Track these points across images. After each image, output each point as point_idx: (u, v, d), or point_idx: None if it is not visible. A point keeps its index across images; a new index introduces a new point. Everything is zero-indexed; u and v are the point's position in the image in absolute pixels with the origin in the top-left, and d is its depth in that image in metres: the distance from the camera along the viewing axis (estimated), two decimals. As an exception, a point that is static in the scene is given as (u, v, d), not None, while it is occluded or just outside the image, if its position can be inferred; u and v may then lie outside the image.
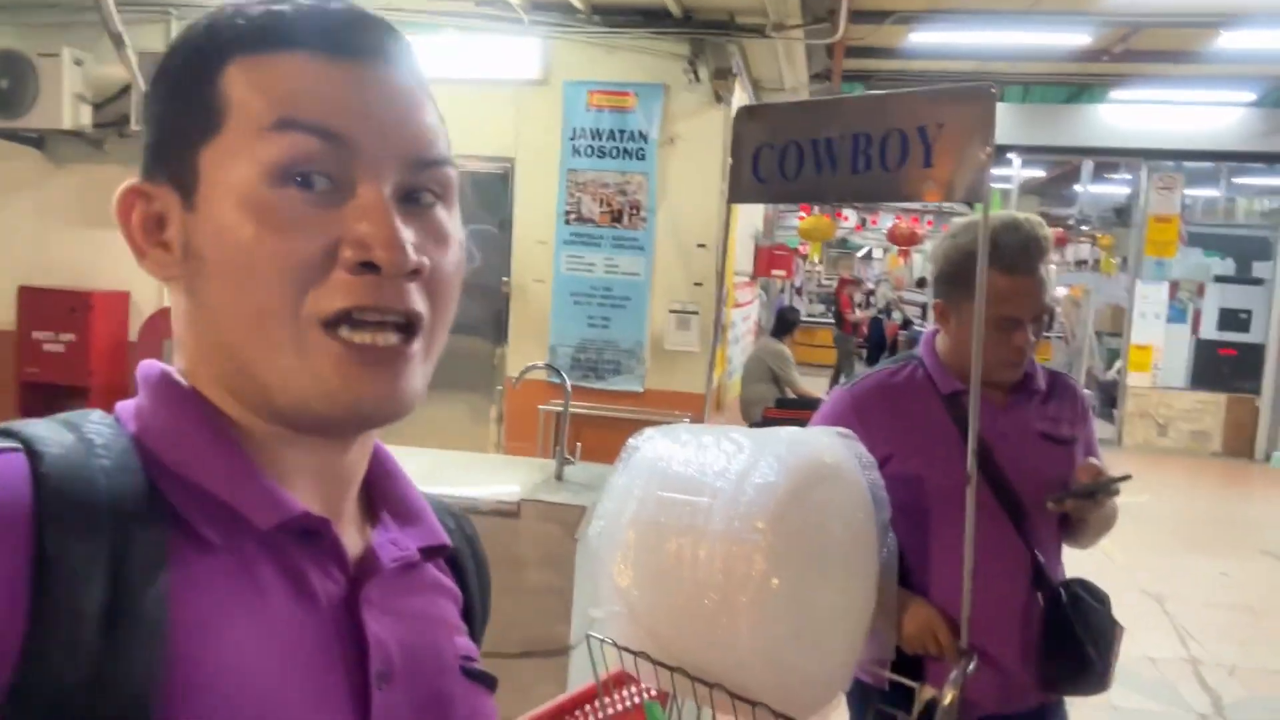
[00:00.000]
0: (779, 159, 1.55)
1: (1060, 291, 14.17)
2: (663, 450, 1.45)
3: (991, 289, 1.51)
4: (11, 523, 0.46)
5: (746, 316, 7.24)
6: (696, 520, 1.31)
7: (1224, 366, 10.27)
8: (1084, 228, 13.81)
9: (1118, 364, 10.93)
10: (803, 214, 13.17)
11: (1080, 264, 14.91)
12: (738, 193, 1.64)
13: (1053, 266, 1.55)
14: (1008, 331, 1.52)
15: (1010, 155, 12.79)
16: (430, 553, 0.66)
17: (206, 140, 0.54)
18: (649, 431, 1.52)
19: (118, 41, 2.18)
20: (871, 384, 1.66)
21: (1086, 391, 1.75)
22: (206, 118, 0.54)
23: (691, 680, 1.29)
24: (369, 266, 0.52)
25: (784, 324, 6.20)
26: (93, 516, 0.48)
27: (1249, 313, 10.27)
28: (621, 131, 5.00)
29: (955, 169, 1.35)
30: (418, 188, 0.56)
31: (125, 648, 0.46)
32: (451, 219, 0.58)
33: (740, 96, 5.34)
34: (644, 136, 4.97)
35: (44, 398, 5.43)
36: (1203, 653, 4.34)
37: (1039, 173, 15.86)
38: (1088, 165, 13.58)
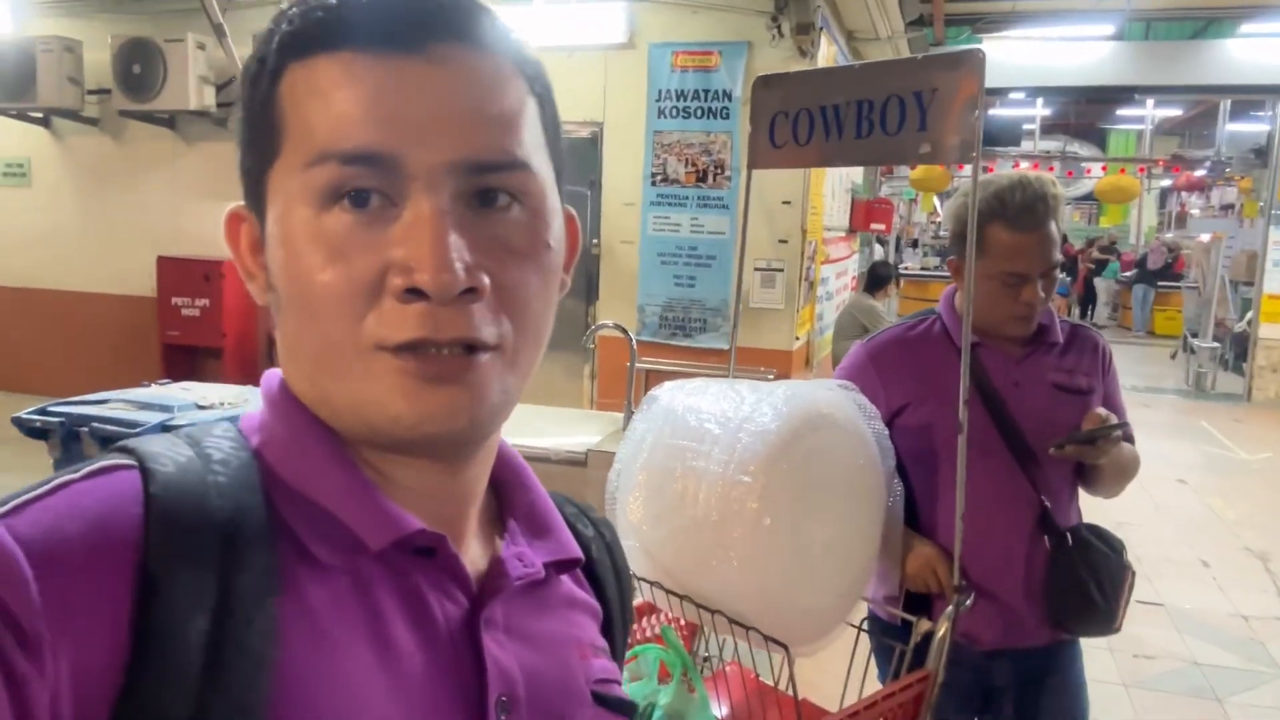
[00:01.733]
0: (793, 125, 1.63)
1: (1201, 238, 13.38)
2: (677, 401, 1.58)
3: (999, 245, 1.57)
4: (118, 547, 0.44)
5: (841, 272, 7.19)
6: (697, 464, 1.44)
7: (1373, 316, 9.54)
8: (1225, 170, 12.94)
9: (1249, 315, 10.29)
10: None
11: (1226, 208, 14.03)
12: (756, 159, 1.73)
13: (1062, 222, 1.58)
14: (1016, 287, 1.57)
15: (1137, 96, 12.08)
16: (562, 566, 0.62)
17: (271, 163, 0.51)
18: (668, 384, 1.65)
19: (219, 32, 2.40)
20: (888, 337, 1.74)
21: (1107, 342, 1.77)
22: (269, 138, 0.51)
23: (696, 606, 1.44)
24: (416, 292, 0.47)
25: (876, 279, 6.14)
26: (202, 541, 0.46)
27: (1402, 258, 9.48)
28: (706, 91, 5.06)
29: (947, 131, 1.41)
30: (489, 188, 0.50)
31: (230, 681, 0.45)
32: (536, 222, 0.52)
33: (827, 50, 5.30)
34: (728, 95, 5.01)
35: (184, 358, 5.96)
36: (1305, 613, 4.19)
37: (1175, 112, 14.90)
38: (1225, 104, 12.69)
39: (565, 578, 0.64)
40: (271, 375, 0.56)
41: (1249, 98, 11.29)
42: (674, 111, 5.12)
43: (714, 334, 5.18)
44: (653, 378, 5.12)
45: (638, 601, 1.61)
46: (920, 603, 1.62)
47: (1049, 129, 16.01)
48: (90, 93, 5.95)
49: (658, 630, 1.62)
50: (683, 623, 1.64)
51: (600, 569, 0.68)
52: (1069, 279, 14.43)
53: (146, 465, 0.47)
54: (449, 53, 0.49)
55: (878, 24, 5.98)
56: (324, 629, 0.49)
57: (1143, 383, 9.17)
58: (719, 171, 5.08)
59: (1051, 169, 14.60)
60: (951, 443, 1.57)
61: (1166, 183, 16.99)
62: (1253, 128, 13.05)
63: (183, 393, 2.93)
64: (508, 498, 0.62)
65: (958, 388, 1.58)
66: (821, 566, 1.46)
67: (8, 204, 6.44)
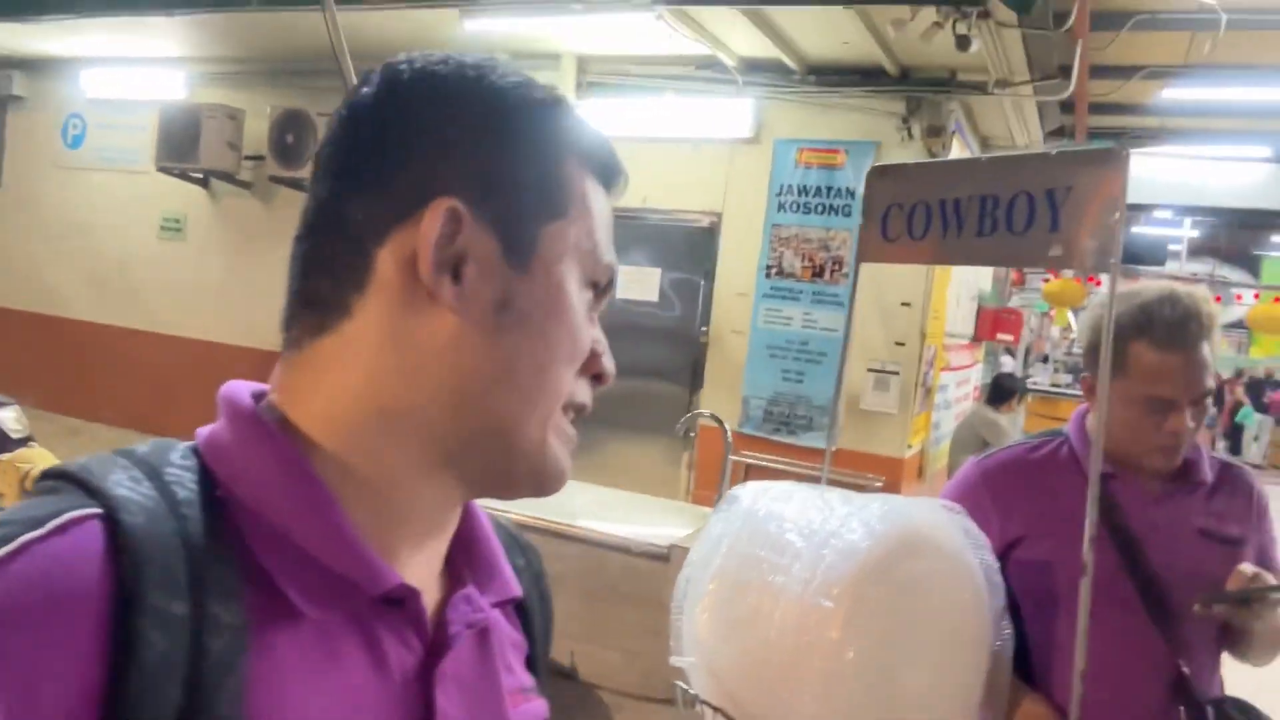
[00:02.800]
0: (908, 218, 1.52)
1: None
2: (759, 504, 1.44)
3: (1144, 366, 1.39)
4: (85, 618, 0.43)
5: (963, 381, 6.87)
6: (775, 579, 1.30)
7: None
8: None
9: None
10: (1048, 276, 12.38)
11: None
12: (866, 251, 1.61)
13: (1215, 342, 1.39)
14: (1161, 414, 1.38)
15: (1296, 220, 11.39)
16: (502, 604, 0.65)
17: (551, 220, 0.57)
18: (751, 485, 1.52)
19: (354, 103, 2.47)
20: (1007, 458, 1.56)
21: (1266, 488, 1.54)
22: (553, 199, 0.58)
23: (761, 745, 1.27)
24: (601, 377, 0.62)
25: (1000, 391, 5.83)
26: (173, 604, 0.45)
27: None
28: (829, 188, 4.99)
29: (1082, 235, 1.27)
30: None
31: None
32: None
33: (960, 155, 5.16)
34: (851, 194, 4.92)
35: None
36: None
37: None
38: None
39: (496, 611, 0.65)
40: (236, 394, 0.56)
41: None
42: (795, 206, 5.06)
43: (819, 433, 4.97)
44: (752, 472, 4.97)
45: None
46: (1025, 767, 1.41)
47: (1196, 251, 15.29)
48: (247, 158, 6.35)
49: (719, 762, 1.45)
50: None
51: (528, 601, 0.69)
52: (1216, 411, 13.52)
53: (115, 516, 0.46)
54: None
55: (1015, 132, 5.82)
56: (289, 679, 0.49)
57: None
58: (836, 268, 4.96)
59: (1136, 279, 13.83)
60: (1074, 586, 1.38)
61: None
62: None
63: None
64: (460, 536, 0.63)
65: (1084, 525, 1.39)
66: (911, 712, 1.28)
67: (164, 257, 6.88)
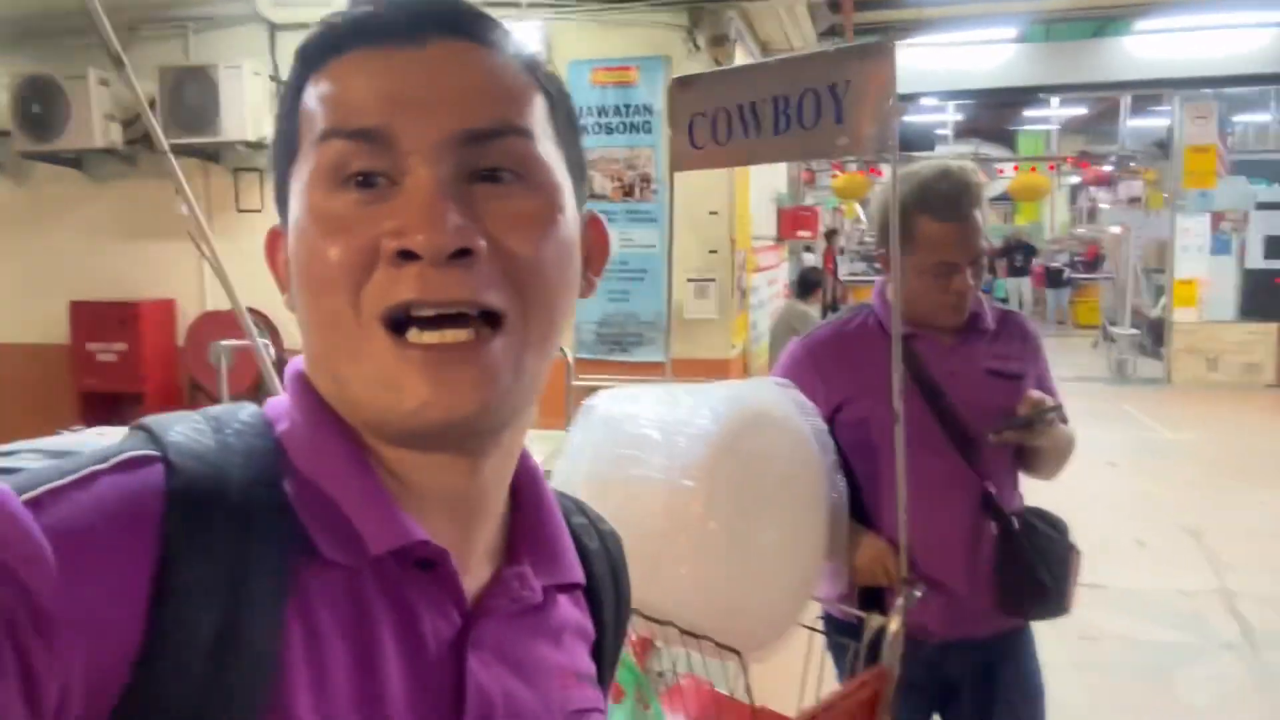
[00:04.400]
0: (711, 125, 1.62)
1: (1112, 230, 13.86)
2: (614, 409, 1.54)
3: (927, 236, 1.57)
4: (139, 543, 0.45)
5: (772, 280, 7.25)
6: (638, 471, 1.41)
7: (1275, 295, 9.98)
8: (1130, 163, 13.47)
9: (1163, 300, 10.69)
10: (835, 172, 13.08)
11: (1133, 200, 14.60)
12: (677, 161, 1.72)
13: (986, 209, 1.60)
14: (946, 277, 1.58)
15: (1042, 96, 12.51)
16: (563, 588, 0.62)
17: (291, 165, 0.53)
18: (604, 393, 1.61)
19: (117, 62, 2.30)
20: (825, 334, 1.74)
21: (1035, 326, 1.80)
22: (289, 144, 0.53)
23: (646, 619, 1.40)
24: (408, 255, 0.48)
25: (806, 285, 6.22)
26: (219, 539, 0.47)
27: (1297, 238, 9.97)
28: (626, 106, 5.06)
29: (863, 124, 1.41)
30: (492, 166, 0.50)
31: (234, 680, 0.45)
32: (542, 194, 0.52)
33: (741, 58, 5.36)
34: (649, 109, 5.02)
35: (103, 406, 5.71)
36: (1237, 584, 4.31)
37: (1080, 110, 15.47)
38: (1126, 100, 13.22)
39: (563, 598, 0.62)
40: (295, 364, 0.56)
41: (1147, 92, 11.78)
42: (596, 128, 5.11)
43: (650, 347, 5.15)
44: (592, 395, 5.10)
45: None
46: (873, 598, 1.61)
47: (961, 133, 16.47)
48: (-12, 135, 5.70)
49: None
50: (634, 639, 1.60)
51: (600, 588, 0.66)
52: (993, 278, 14.72)
53: (171, 459, 0.48)
54: (450, 46, 0.51)
55: (790, 35, 6.08)
56: (321, 632, 0.49)
57: (1069, 372, 9.43)
58: (645, 185, 5.08)
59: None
60: (891, 434, 1.57)
61: (1075, 179, 17.59)
62: (1153, 122, 13.60)
63: (97, 438, 2.79)
64: (520, 512, 0.61)
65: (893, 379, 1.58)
66: (769, 568, 1.43)
67: (-93, 256, 6.12)
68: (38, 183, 5.85)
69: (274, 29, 5.31)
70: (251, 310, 5.68)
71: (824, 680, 1.59)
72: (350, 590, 0.51)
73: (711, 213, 5.11)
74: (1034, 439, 1.58)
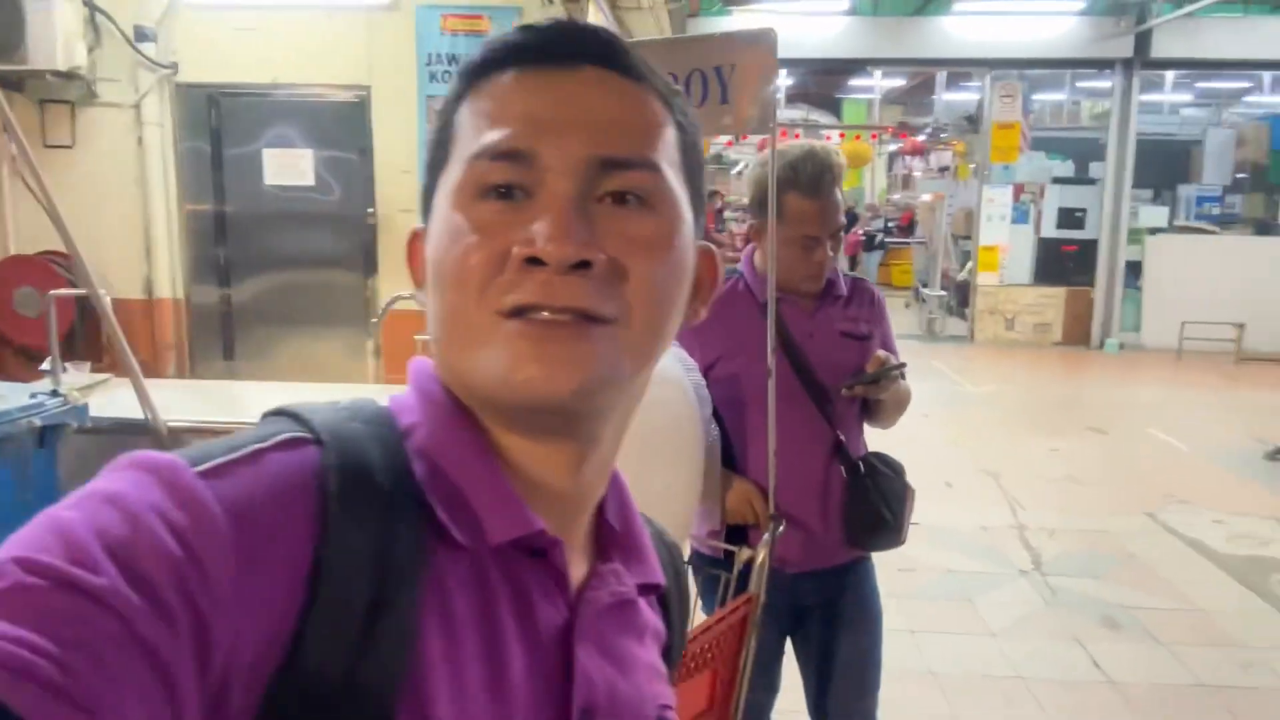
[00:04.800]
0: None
1: (924, 198, 14.84)
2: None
3: (794, 211, 1.73)
4: (302, 517, 0.48)
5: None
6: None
7: (1066, 262, 11.08)
8: (942, 135, 14.42)
9: (969, 265, 11.62)
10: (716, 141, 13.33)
11: (943, 170, 15.65)
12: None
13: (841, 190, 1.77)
14: (810, 249, 1.75)
15: (868, 69, 13.18)
16: (645, 589, 0.65)
17: (440, 173, 0.57)
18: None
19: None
20: None
21: (880, 290, 2.01)
22: (442, 154, 0.57)
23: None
24: (535, 262, 0.51)
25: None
26: (370, 511, 0.50)
27: (1084, 211, 11.07)
28: (478, 56, 5.01)
29: (746, 104, 1.54)
30: (620, 189, 0.54)
31: (380, 646, 0.48)
32: (664, 222, 0.55)
33: (594, 18, 5.39)
34: (501, 61, 4.99)
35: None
36: (1029, 519, 4.88)
37: (899, 82, 16.39)
38: (941, 75, 14.14)
39: (643, 601, 0.65)
40: (421, 363, 0.59)
41: (961, 69, 12.66)
42: (446, 75, 5.02)
43: (500, 302, 5.19)
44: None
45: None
46: (739, 535, 1.78)
47: (791, 98, 17.05)
48: None
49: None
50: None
51: (670, 596, 0.70)
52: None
53: (323, 440, 0.51)
54: (599, 74, 0.55)
55: (639, -7, 6.15)
56: (453, 611, 0.51)
57: (885, 329, 10.14)
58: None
59: (798, 135, 15.67)
60: (760, 390, 1.73)
61: (894, 148, 18.65)
62: (965, 97, 14.63)
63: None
64: (607, 515, 0.63)
65: (763, 340, 1.73)
66: (656, 511, 1.56)
67: None
68: None
69: (88, -53, 4.87)
70: (54, 253, 5.26)
71: (696, 615, 1.75)
72: (476, 573, 0.53)
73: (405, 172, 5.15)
74: (879, 393, 1.78)
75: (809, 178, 1.69)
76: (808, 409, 1.79)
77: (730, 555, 1.71)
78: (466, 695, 0.51)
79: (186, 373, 5.33)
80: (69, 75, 4.86)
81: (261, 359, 5.30)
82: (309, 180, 5.12)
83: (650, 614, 0.67)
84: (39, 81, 4.93)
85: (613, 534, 0.63)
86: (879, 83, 16.14)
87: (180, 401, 3.03)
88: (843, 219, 1.77)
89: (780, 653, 1.91)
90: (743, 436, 1.80)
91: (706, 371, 1.79)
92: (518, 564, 0.56)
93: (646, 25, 7.14)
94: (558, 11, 4.99)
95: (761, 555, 1.63)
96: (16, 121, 2.42)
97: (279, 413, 0.54)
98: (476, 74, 0.56)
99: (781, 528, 1.69)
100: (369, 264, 5.21)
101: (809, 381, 1.79)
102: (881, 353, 1.80)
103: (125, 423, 2.71)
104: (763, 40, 1.51)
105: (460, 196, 0.54)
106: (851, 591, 1.89)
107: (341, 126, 5.11)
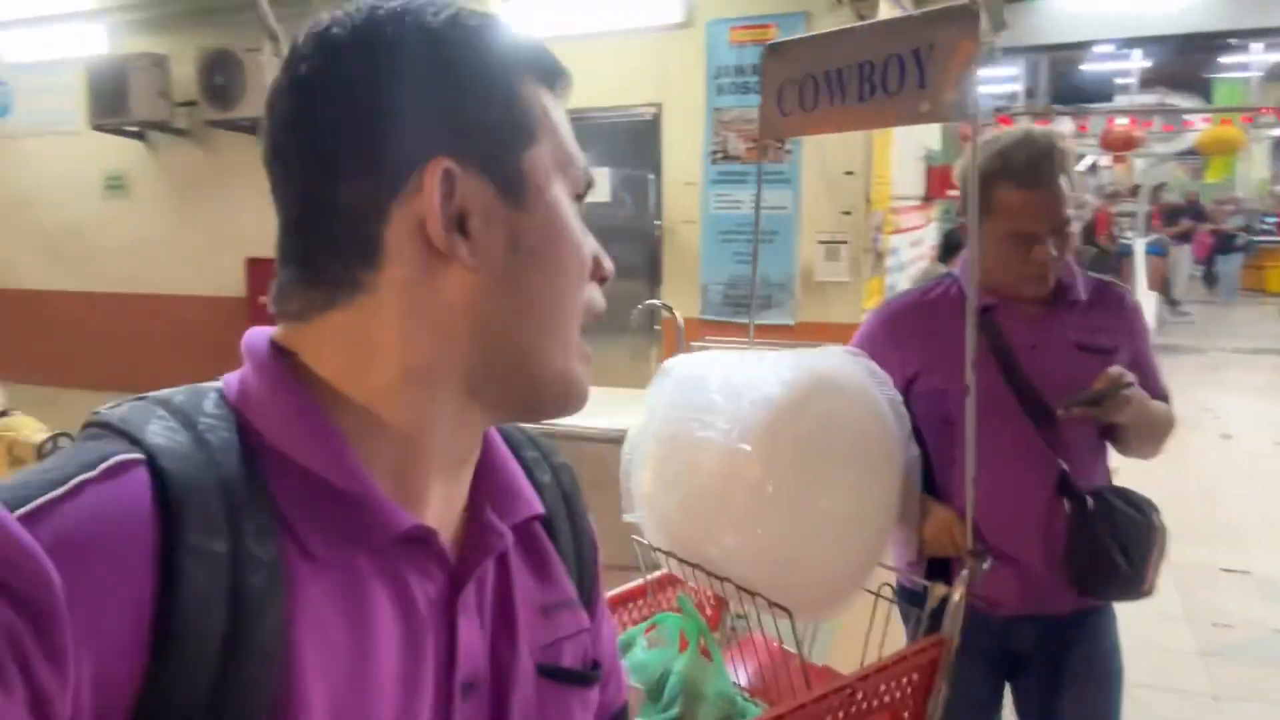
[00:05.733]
0: (799, 92, 1.63)
1: None
2: (690, 371, 1.60)
3: (1005, 204, 1.53)
4: (139, 553, 0.46)
5: (915, 242, 7.01)
6: (702, 433, 1.46)
7: None
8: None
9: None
10: (999, 124, 12.40)
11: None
12: (766, 128, 1.73)
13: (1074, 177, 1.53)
14: (1027, 247, 1.54)
15: (1237, 42, 11.38)
16: (524, 525, 0.66)
17: (528, 147, 0.58)
18: (682, 356, 1.67)
19: (273, 38, 2.52)
20: (903, 302, 1.72)
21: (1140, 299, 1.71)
22: (523, 126, 0.58)
23: (707, 575, 1.46)
24: (605, 279, 0.63)
25: (949, 246, 6.00)
26: (215, 542, 0.48)
27: None
28: (763, 65, 5.01)
29: (945, 88, 1.39)
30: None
31: (243, 678, 0.47)
32: None
33: (888, 14, 5.17)
34: (785, 68, 4.95)
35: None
36: None
37: (1284, 56, 13.97)
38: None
39: (526, 529, 0.67)
40: (257, 341, 0.58)
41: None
42: (733, 88, 5.08)
43: (779, 310, 5.14)
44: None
45: (659, 574, 1.64)
46: (941, 568, 1.61)
47: (1148, 82, 15.24)
48: (179, 105, 6.25)
49: (676, 601, 1.65)
50: (709, 593, 1.67)
51: (555, 518, 0.70)
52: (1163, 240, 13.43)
53: (158, 463, 0.49)
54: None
55: (944, -15, 5.79)
56: (322, 618, 0.51)
57: (1247, 344, 8.65)
58: (779, 145, 5.02)
59: (1149, 124, 13.87)
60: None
61: (1277, 132, 15.96)
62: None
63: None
64: (481, 460, 0.64)
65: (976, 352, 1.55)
66: (831, 534, 1.46)
67: (111, 216, 6.83)
68: (219, 147, 6.38)
69: None
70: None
71: (891, 646, 1.60)
72: (346, 577, 0.53)
73: (847, 173, 5.00)
74: (1106, 415, 1.52)
75: (1023, 165, 1.49)
76: (1026, 432, 1.58)
77: (927, 590, 1.54)
78: (344, 697, 0.51)
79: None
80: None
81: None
82: (606, 196, 5.42)
83: (533, 542, 0.67)
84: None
85: (484, 479, 0.64)
86: (1259, 58, 13.91)
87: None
88: (1070, 213, 1.53)
89: (997, 704, 1.70)
90: (948, 459, 1.63)
91: (908, 385, 1.64)
92: (393, 552, 0.55)
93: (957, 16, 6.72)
94: (847, 13, 4.86)
95: (957, 594, 1.46)
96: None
97: (103, 425, 0.52)
98: (535, 67, 0.61)
99: (987, 564, 1.50)
100: (654, 274, 5.40)
101: (1030, 400, 1.58)
102: (1114, 369, 1.53)
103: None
104: (963, 17, 1.36)
105: (569, 192, 0.61)
106: (1082, 646, 1.64)
107: (635, 144, 5.35)
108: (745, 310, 5.18)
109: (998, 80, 13.66)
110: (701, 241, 5.23)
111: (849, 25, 1.49)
